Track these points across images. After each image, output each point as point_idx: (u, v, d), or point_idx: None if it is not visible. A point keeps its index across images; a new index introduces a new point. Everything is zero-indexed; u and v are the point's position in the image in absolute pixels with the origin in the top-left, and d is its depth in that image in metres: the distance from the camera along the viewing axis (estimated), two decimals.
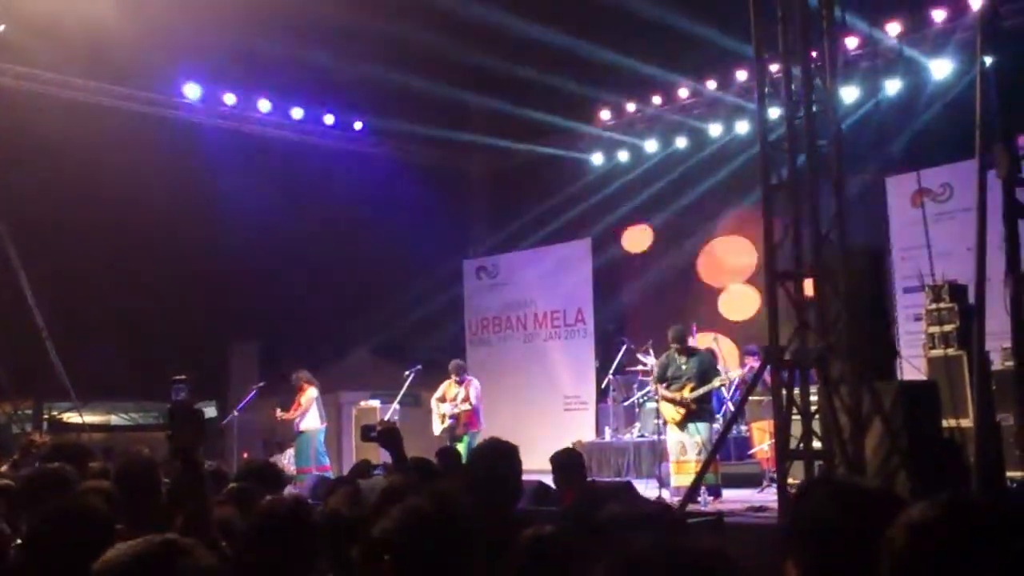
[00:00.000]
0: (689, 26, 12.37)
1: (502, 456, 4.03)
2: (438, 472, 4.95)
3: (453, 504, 2.70)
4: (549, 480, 10.16)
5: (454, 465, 5.20)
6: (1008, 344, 7.32)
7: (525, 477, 4.27)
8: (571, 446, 8.68)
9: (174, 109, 14.67)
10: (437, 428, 12.60)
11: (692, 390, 10.39)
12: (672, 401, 10.49)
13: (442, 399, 12.69)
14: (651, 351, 12.73)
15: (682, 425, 10.39)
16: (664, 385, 10.63)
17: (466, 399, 12.51)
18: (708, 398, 10.68)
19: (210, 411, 15.53)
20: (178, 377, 3.27)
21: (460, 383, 12.64)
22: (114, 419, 15.66)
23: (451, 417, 12.46)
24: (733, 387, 12.87)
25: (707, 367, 10.63)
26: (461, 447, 12.20)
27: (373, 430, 4.91)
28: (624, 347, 13.74)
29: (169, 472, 4.80)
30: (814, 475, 7.33)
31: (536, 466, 4.06)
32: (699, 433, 10.31)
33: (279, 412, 13.29)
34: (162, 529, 3.27)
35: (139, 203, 13.11)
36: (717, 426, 10.91)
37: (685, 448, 10.35)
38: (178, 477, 3.40)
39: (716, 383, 10.62)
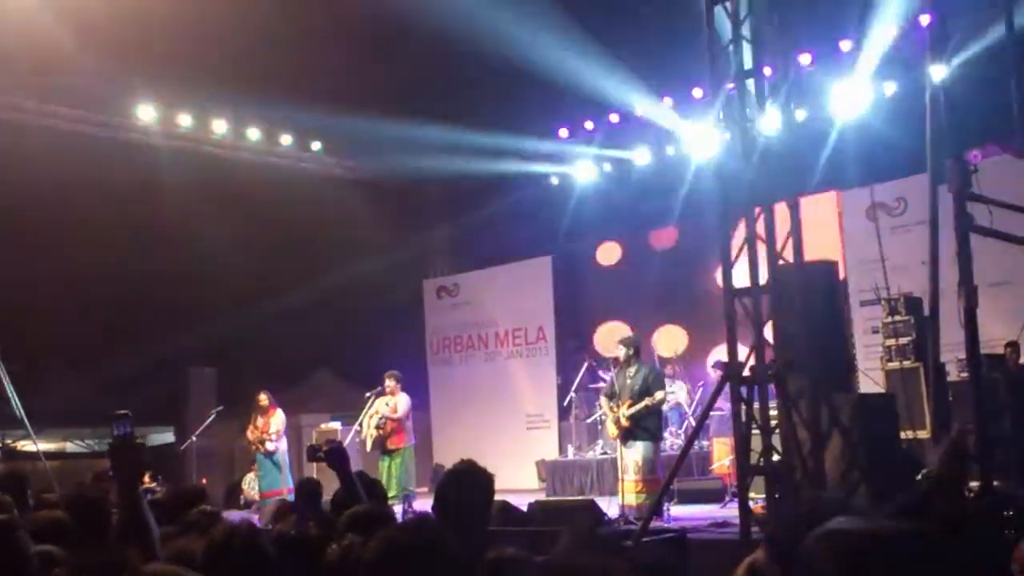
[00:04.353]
0: (644, 47, 12.45)
1: (475, 481, 3.89)
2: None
3: (436, 533, 2.65)
4: (512, 500, 10.20)
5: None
6: (963, 355, 7.41)
7: None
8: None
9: (128, 131, 14.49)
10: (368, 444, 12.22)
11: (630, 407, 9.90)
12: (612, 418, 10.20)
13: (372, 416, 12.22)
14: (612, 368, 12.71)
15: (622, 442, 10.02)
16: (612, 400, 10.24)
17: (394, 409, 12.00)
18: (655, 415, 10.13)
19: (167, 436, 15.30)
20: (120, 412, 3.26)
21: (392, 394, 12.22)
22: (70, 446, 15.37)
23: (377, 427, 12.00)
24: (694, 403, 12.92)
25: (650, 383, 9.99)
26: (392, 463, 11.85)
27: (319, 450, 4.83)
28: (586, 364, 13.75)
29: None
30: (794, 495, 7.26)
31: (498, 485, 4.01)
32: (635, 451, 9.90)
33: (250, 433, 12.96)
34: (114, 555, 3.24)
35: (94, 226, 12.91)
36: (664, 445, 10.56)
37: (626, 466, 9.97)
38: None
39: (645, 403, 9.85)
